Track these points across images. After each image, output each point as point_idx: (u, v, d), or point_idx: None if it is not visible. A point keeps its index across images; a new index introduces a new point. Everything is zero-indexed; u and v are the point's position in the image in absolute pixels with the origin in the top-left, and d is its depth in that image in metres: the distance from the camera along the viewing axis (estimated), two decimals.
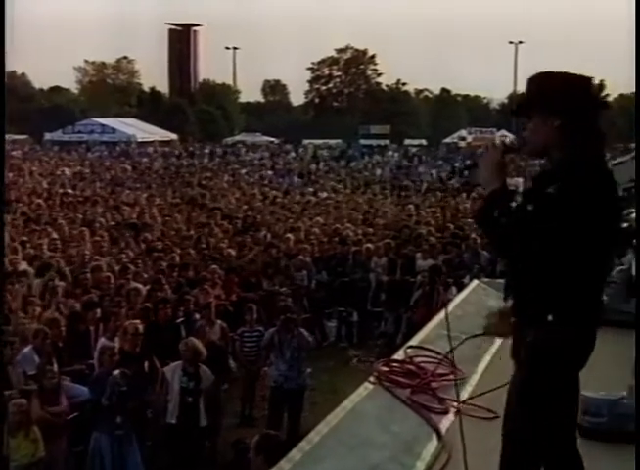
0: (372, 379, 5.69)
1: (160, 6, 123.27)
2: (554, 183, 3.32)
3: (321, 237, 17.76)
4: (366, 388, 5.54)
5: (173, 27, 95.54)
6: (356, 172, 41.11)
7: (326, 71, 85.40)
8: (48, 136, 60.98)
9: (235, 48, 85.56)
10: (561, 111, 3.42)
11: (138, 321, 9.66)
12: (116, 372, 8.55)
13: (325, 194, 28.18)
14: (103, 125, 61.04)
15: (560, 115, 3.42)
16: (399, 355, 6.32)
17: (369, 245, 16.67)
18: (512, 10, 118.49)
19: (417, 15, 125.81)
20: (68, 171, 36.24)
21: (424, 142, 66.78)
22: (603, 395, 5.44)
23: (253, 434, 10.90)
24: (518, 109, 3.70)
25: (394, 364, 5.99)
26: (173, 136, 65.25)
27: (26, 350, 9.54)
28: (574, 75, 3.49)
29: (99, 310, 10.75)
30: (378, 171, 42.78)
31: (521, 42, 74.30)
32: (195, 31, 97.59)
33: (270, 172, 39.53)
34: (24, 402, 8.09)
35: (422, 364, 5.98)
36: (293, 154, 56.37)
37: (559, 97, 3.43)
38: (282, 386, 10.46)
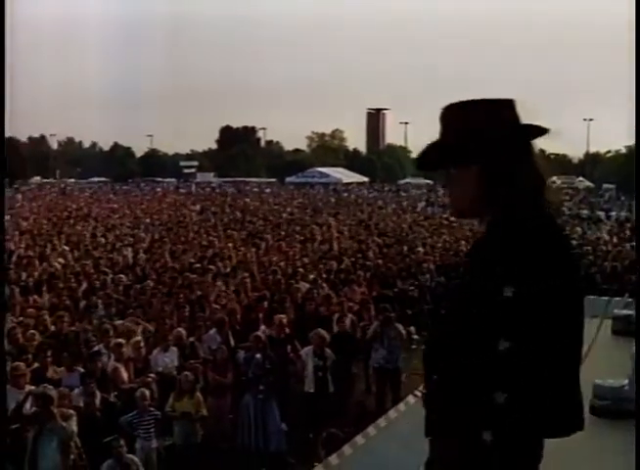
0: (417, 392, 4.15)
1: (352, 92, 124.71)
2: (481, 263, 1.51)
3: (440, 250, 16.02)
4: (407, 403, 3.98)
5: (370, 111, 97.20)
6: None
7: None
8: (288, 179, 62.05)
9: (406, 122, 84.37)
10: (478, 153, 1.62)
11: (283, 316, 8.52)
12: (258, 355, 7.45)
13: (452, 219, 26.05)
14: (321, 172, 61.53)
15: (478, 159, 1.62)
16: None
17: None
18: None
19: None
20: (295, 202, 36.06)
21: None
22: (609, 383, 5.25)
23: (369, 398, 9.58)
24: (430, 161, 1.78)
25: None
26: (366, 179, 64.87)
27: (212, 331, 8.76)
28: (484, 101, 1.65)
29: (265, 303, 9.75)
30: None
31: None
32: (383, 113, 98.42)
33: (422, 203, 37.63)
34: (190, 374, 7.16)
35: None
36: (442, 191, 53.92)
37: (471, 134, 1.62)
38: (383, 367, 8.86)
